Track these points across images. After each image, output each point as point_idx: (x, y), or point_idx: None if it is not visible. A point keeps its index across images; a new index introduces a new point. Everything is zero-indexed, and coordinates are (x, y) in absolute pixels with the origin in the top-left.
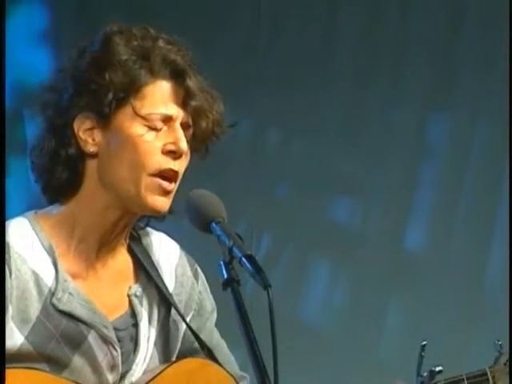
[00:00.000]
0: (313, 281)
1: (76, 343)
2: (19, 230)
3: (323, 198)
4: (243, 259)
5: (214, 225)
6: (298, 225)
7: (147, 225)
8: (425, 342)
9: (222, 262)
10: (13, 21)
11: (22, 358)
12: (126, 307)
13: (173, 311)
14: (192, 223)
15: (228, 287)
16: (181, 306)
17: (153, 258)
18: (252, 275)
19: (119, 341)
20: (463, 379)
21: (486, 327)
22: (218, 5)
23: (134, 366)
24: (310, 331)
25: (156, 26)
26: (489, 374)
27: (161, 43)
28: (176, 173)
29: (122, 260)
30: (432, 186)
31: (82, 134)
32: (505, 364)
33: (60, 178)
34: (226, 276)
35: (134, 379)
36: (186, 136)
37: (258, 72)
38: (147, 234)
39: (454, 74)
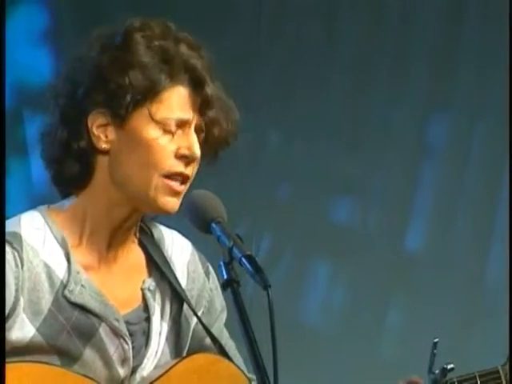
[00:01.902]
0: (313, 281)
1: (87, 336)
2: (32, 223)
3: (323, 198)
4: (243, 259)
5: (213, 225)
6: (298, 225)
7: (155, 217)
8: (437, 340)
9: (221, 263)
10: (13, 21)
11: (33, 349)
12: (138, 301)
13: (185, 307)
14: (192, 223)
15: (228, 288)
16: (192, 302)
17: (165, 254)
18: (252, 275)
19: (131, 335)
20: (475, 377)
21: (486, 327)
22: (218, 5)
23: (145, 360)
24: (310, 331)
25: None
26: (501, 372)
27: (182, 48)
28: (187, 176)
29: (134, 254)
30: (432, 186)
31: (95, 130)
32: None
33: (70, 170)
34: (225, 276)
35: (145, 373)
36: (198, 139)
37: (258, 73)
38: (159, 230)
39: (454, 74)
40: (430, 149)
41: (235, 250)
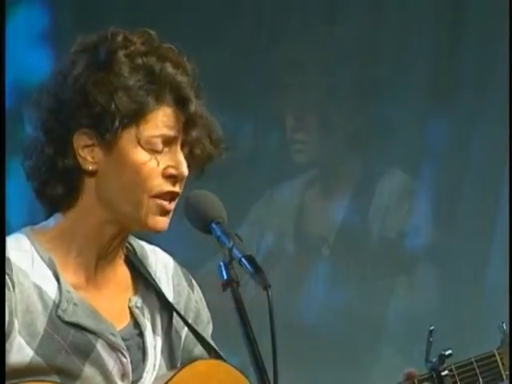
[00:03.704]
0: (313, 281)
1: (85, 353)
2: (18, 246)
3: (323, 198)
4: (243, 259)
5: (213, 225)
6: (298, 225)
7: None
8: (432, 327)
9: (221, 263)
10: (13, 21)
11: (32, 371)
12: (128, 318)
13: (174, 320)
14: (192, 224)
15: (228, 288)
16: None
17: (150, 270)
18: (252, 275)
19: (128, 349)
20: (472, 362)
21: (486, 328)
22: (218, 5)
23: (144, 374)
24: (309, 331)
25: (156, 25)
26: (497, 355)
27: (167, 67)
28: (177, 193)
29: (120, 271)
30: (432, 186)
31: (81, 151)
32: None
33: (56, 190)
34: (225, 277)
35: None
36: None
37: (258, 72)
38: (141, 247)
39: (454, 74)
40: (429, 149)
41: (235, 250)
